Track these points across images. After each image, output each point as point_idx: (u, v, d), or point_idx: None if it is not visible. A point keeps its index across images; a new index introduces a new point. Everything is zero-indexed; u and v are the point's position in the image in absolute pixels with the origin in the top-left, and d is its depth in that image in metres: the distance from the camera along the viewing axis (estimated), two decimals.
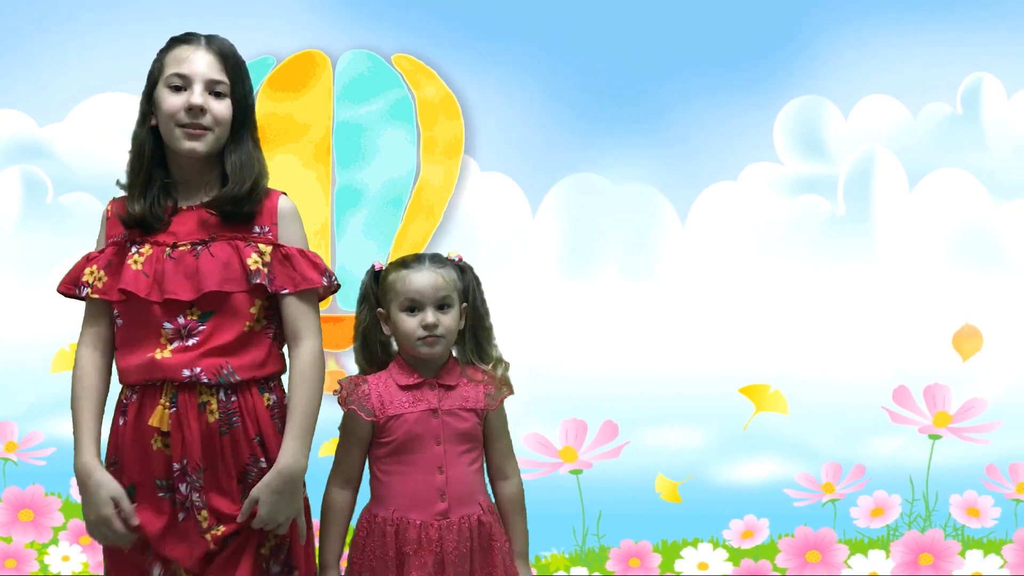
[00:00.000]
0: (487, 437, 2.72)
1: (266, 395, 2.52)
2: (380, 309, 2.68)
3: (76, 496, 3.96)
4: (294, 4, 3.89)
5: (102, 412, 2.53)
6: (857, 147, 3.95)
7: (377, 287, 2.70)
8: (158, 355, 2.44)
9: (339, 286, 2.58)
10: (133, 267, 2.47)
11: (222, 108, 2.47)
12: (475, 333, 2.71)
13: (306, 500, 2.59)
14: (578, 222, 3.95)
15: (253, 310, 2.49)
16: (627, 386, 3.90)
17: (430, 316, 2.62)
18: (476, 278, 2.73)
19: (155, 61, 2.53)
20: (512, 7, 3.93)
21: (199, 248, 2.47)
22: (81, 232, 3.95)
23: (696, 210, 3.95)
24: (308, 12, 3.91)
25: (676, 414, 3.92)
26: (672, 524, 3.95)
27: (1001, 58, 3.93)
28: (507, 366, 2.73)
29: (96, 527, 2.48)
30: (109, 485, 2.46)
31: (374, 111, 3.91)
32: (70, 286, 2.55)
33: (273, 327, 2.53)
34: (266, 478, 2.45)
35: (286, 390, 2.54)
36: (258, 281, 2.46)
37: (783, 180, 3.95)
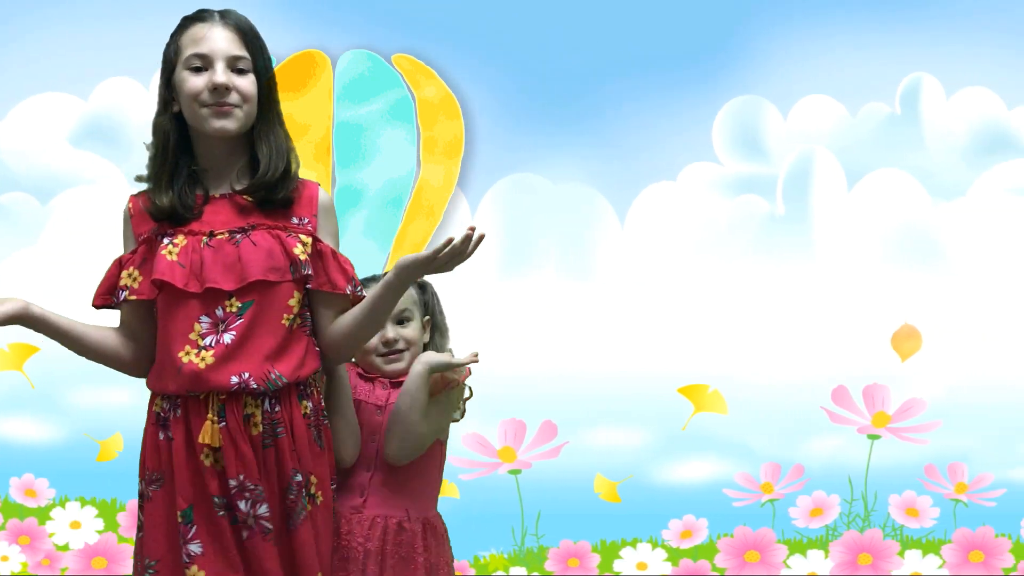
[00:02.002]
0: None
1: (304, 403, 2.41)
2: None
3: (14, 496, 4.00)
4: (294, 4, 3.90)
5: (85, 327, 2.43)
6: (796, 147, 3.96)
7: None
8: (200, 364, 2.32)
9: (362, 298, 2.44)
10: (168, 257, 2.34)
11: (247, 84, 2.35)
12: (437, 347, 2.66)
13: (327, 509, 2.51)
14: (517, 222, 3.95)
15: (292, 302, 2.37)
16: (566, 386, 3.90)
17: (389, 331, 2.58)
18: (435, 294, 2.70)
19: (169, 44, 2.39)
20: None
21: (239, 236, 2.34)
22: (21, 232, 3.98)
23: (635, 210, 3.95)
24: (308, 12, 3.91)
25: (615, 414, 3.92)
26: (611, 524, 3.95)
27: (940, 58, 3.94)
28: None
29: None
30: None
31: (374, 111, 3.92)
32: (107, 296, 2.41)
33: (310, 323, 2.43)
34: None
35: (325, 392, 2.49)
36: (308, 272, 2.36)
37: (722, 180, 3.96)
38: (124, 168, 3.92)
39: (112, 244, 3.64)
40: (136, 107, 3.92)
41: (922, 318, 3.94)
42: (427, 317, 2.66)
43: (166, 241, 2.37)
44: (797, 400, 3.93)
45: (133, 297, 2.36)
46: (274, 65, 3.75)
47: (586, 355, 3.92)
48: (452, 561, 2.67)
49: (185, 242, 2.36)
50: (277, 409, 2.37)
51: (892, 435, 3.96)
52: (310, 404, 2.43)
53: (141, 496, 2.41)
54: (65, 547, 3.94)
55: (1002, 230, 3.95)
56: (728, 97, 3.94)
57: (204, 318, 2.34)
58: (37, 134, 3.93)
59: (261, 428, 2.36)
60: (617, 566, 3.97)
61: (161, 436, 2.38)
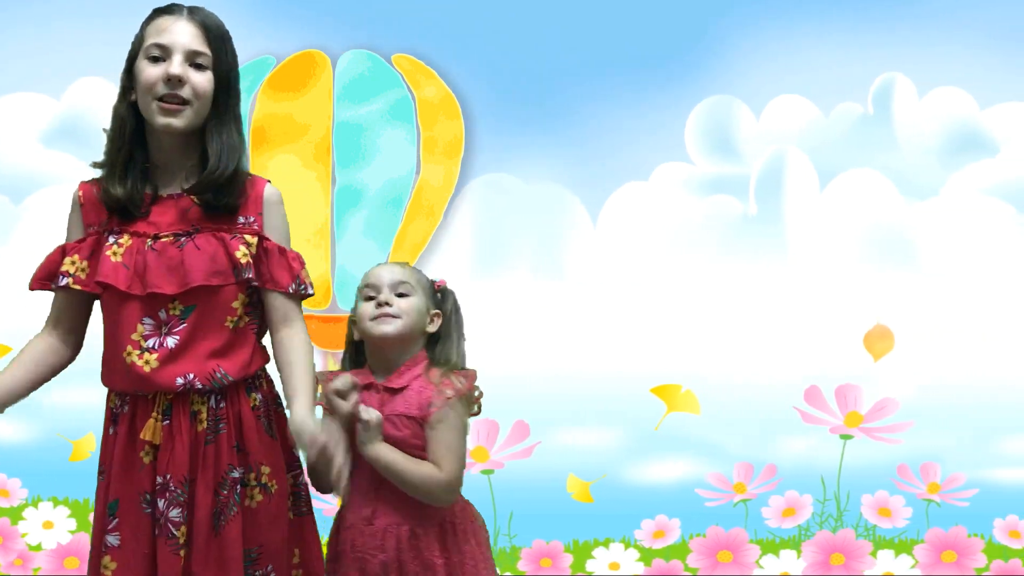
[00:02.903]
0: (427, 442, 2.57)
1: (253, 395, 2.45)
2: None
3: None
4: (294, 4, 3.89)
5: (26, 366, 2.45)
6: (768, 147, 3.95)
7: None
8: (145, 367, 2.34)
9: (310, 295, 2.48)
10: (112, 258, 2.36)
11: (202, 80, 2.35)
12: (445, 341, 2.62)
13: (312, 523, 2.55)
14: (489, 222, 3.94)
15: (236, 304, 2.40)
16: (539, 386, 3.90)
17: (383, 295, 2.55)
18: (456, 304, 2.67)
19: (137, 34, 2.41)
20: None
21: (183, 239, 2.36)
22: None
23: (607, 210, 3.95)
24: (308, 12, 3.90)
25: (588, 414, 3.92)
26: (583, 524, 3.95)
27: (913, 58, 3.93)
28: (465, 377, 2.60)
29: None
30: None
31: (374, 111, 3.91)
32: (45, 282, 2.43)
33: (256, 321, 2.46)
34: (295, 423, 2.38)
35: (277, 378, 2.49)
36: (249, 276, 2.37)
37: (694, 180, 3.96)
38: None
39: None
40: (108, 107, 3.88)
41: (895, 318, 3.94)
42: (435, 311, 2.62)
43: (111, 240, 2.39)
44: (770, 400, 3.92)
45: (77, 286, 2.39)
46: (274, 65, 3.83)
47: (559, 355, 3.92)
48: (486, 548, 2.61)
49: (130, 243, 2.38)
50: (223, 405, 2.40)
51: (865, 435, 3.96)
52: (259, 396, 2.46)
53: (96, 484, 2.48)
54: (38, 547, 3.94)
55: (975, 230, 3.95)
56: (700, 97, 3.94)
57: (147, 319, 2.37)
58: (9, 134, 3.93)
59: (206, 424, 2.39)
60: (590, 566, 3.97)
61: (110, 431, 2.43)
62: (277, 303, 2.45)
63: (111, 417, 2.45)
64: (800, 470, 3.97)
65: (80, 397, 3.89)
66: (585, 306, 3.94)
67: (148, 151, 2.40)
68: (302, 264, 2.47)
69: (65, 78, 3.94)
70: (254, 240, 2.40)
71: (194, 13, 2.39)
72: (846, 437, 3.96)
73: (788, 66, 3.93)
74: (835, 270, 3.94)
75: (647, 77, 3.92)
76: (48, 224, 3.93)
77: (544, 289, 3.94)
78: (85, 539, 3.96)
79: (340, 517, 2.59)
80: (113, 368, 2.41)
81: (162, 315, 2.36)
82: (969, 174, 3.95)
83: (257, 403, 2.45)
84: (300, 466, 2.53)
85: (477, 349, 3.86)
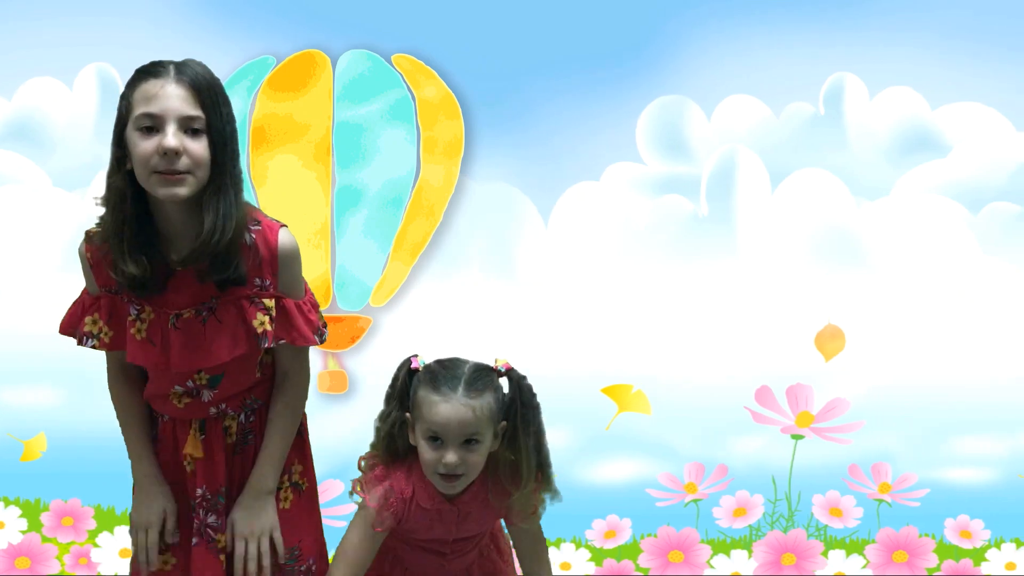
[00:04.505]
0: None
1: None
2: (409, 415, 2.52)
3: None
4: (294, 4, 3.87)
5: (149, 430, 2.52)
6: (719, 147, 3.94)
7: (410, 387, 2.53)
8: (180, 406, 2.45)
9: (324, 341, 2.51)
10: (137, 336, 2.37)
11: (199, 148, 2.24)
12: (511, 459, 2.53)
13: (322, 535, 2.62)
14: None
15: (260, 359, 2.47)
16: None
17: (450, 456, 2.44)
18: (524, 391, 2.55)
19: (122, 97, 2.29)
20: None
21: (204, 314, 2.35)
22: None
23: (558, 210, 3.94)
24: (308, 12, 3.89)
25: None
26: None
27: (863, 58, 3.92)
28: (541, 499, 2.59)
29: (138, 531, 2.48)
30: (169, 496, 2.48)
31: (374, 111, 3.90)
32: (70, 330, 2.46)
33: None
34: (239, 499, 2.46)
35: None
36: (266, 345, 2.37)
37: (645, 180, 3.95)
38: (47, 168, 3.92)
39: (35, 244, 3.66)
40: (59, 107, 3.92)
41: (846, 318, 3.94)
42: (503, 422, 2.52)
43: (134, 314, 2.37)
44: (721, 400, 3.92)
45: (103, 349, 2.44)
46: (274, 65, 3.83)
47: (509, 355, 3.89)
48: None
49: (152, 316, 2.37)
50: (252, 420, 2.48)
51: (816, 435, 3.96)
52: None
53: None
54: None
55: (925, 230, 3.95)
56: (652, 97, 3.93)
57: (178, 388, 2.44)
58: None
59: (235, 437, 2.47)
60: None
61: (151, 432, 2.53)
62: (283, 355, 2.50)
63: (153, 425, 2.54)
64: (751, 470, 3.96)
65: (31, 397, 3.92)
66: (536, 306, 3.94)
67: (154, 220, 2.32)
68: (316, 308, 2.48)
69: (16, 78, 3.92)
70: (272, 304, 2.38)
71: (182, 72, 2.26)
72: (797, 437, 3.96)
73: (739, 66, 3.93)
74: (786, 270, 3.94)
75: (598, 77, 3.92)
76: None
77: (495, 289, 3.93)
78: (36, 539, 3.97)
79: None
80: (154, 401, 2.51)
81: (190, 384, 2.44)
82: (920, 174, 3.94)
83: None
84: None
85: (429, 348, 3.90)
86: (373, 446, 2.58)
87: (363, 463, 2.59)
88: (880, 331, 3.94)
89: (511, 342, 3.92)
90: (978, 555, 3.97)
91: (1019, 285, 3.94)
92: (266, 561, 2.45)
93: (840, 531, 3.98)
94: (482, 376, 2.52)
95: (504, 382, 2.58)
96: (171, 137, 2.21)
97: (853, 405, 3.95)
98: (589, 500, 3.95)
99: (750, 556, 3.98)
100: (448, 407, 2.44)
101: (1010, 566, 3.97)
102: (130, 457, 2.50)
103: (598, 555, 3.96)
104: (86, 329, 2.39)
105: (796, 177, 3.94)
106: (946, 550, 3.98)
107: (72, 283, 3.82)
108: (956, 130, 3.93)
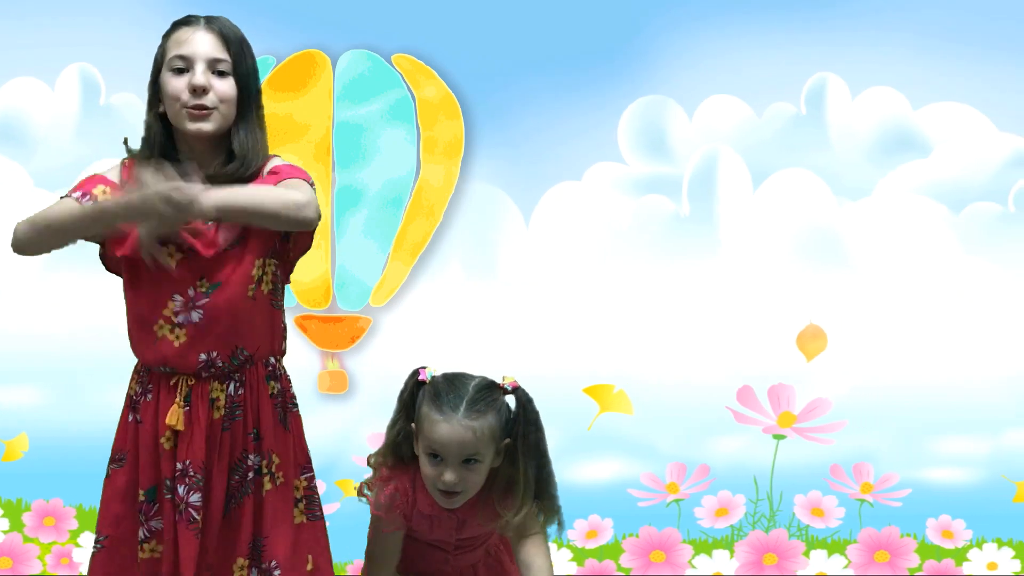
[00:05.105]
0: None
1: (272, 383, 2.54)
2: (414, 426, 2.56)
3: None
4: (294, 4, 3.88)
5: None
6: (701, 147, 3.95)
7: (417, 399, 2.57)
8: (175, 342, 2.45)
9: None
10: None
11: (225, 87, 2.46)
12: (508, 479, 2.55)
13: (323, 528, 2.62)
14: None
15: (254, 272, 2.47)
16: None
17: (449, 475, 2.49)
18: (529, 412, 2.57)
19: (159, 47, 2.51)
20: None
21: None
22: None
23: (540, 210, 3.95)
24: (308, 12, 3.90)
25: None
26: None
27: (845, 58, 3.93)
28: (541, 514, 2.61)
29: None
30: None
31: (374, 111, 3.90)
32: (74, 190, 2.46)
33: (278, 296, 2.55)
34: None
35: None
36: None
37: (627, 180, 3.95)
38: (29, 168, 3.92)
39: None
40: (42, 107, 3.92)
41: (828, 318, 3.94)
42: (506, 440, 2.55)
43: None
44: (702, 400, 3.92)
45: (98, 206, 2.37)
46: (274, 65, 3.83)
47: (491, 355, 3.91)
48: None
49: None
50: (241, 392, 2.48)
51: (797, 435, 3.96)
52: (278, 385, 2.54)
53: (106, 472, 2.55)
54: None
55: (907, 230, 3.95)
56: (633, 97, 3.93)
57: (177, 296, 2.45)
58: None
59: (223, 412, 2.48)
60: None
61: (131, 418, 2.51)
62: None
63: (130, 404, 2.53)
64: (733, 470, 3.97)
65: (13, 397, 3.93)
66: (517, 306, 3.94)
67: (178, 157, 2.47)
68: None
69: None
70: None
71: (211, 22, 2.49)
72: (779, 437, 3.96)
73: (721, 66, 3.93)
74: (768, 270, 3.94)
75: (579, 77, 3.92)
76: None
77: (476, 289, 3.94)
78: (18, 539, 3.97)
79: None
80: (142, 341, 2.50)
81: (190, 292, 2.44)
82: (902, 174, 3.94)
83: (275, 392, 2.54)
84: (313, 468, 2.61)
85: (409, 349, 3.91)
86: (382, 449, 2.64)
87: (371, 460, 2.65)
88: (862, 331, 3.94)
89: (492, 342, 3.93)
90: (960, 555, 3.97)
91: (1001, 285, 3.94)
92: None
93: (822, 531, 3.98)
94: (485, 396, 2.55)
95: (511, 399, 2.59)
96: (199, 75, 2.43)
97: (835, 405, 3.95)
98: (571, 500, 3.82)
99: (732, 556, 3.98)
100: (448, 428, 2.48)
101: (991, 566, 3.97)
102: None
103: (580, 555, 3.96)
104: (95, 191, 2.44)
105: (778, 177, 3.94)
106: (928, 550, 3.98)
107: (56, 283, 3.88)
108: (938, 130, 3.94)
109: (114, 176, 2.51)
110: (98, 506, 2.56)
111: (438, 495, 2.51)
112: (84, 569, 3.90)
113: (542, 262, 3.94)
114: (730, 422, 3.95)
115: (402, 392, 2.61)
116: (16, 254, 2.47)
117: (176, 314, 2.44)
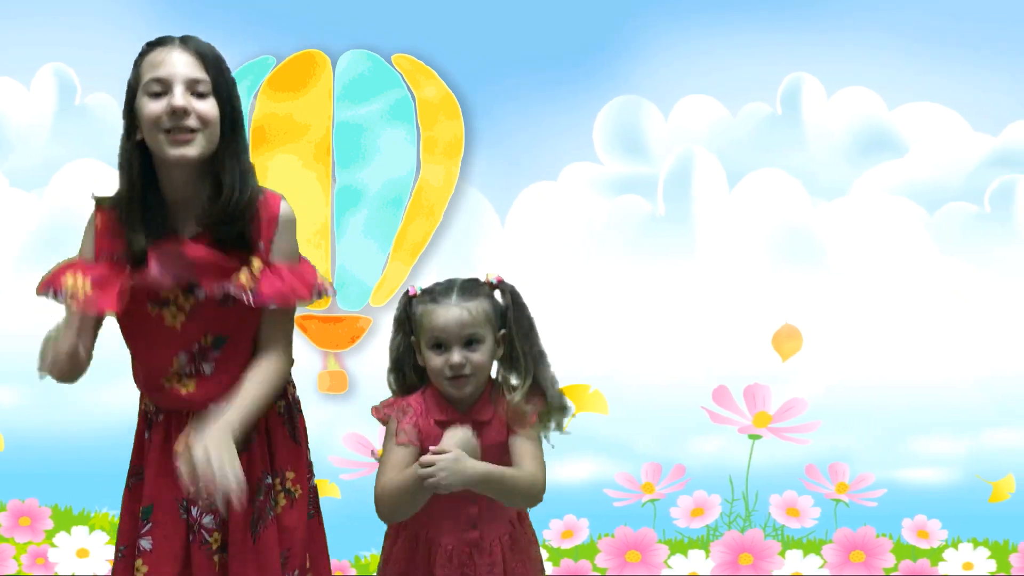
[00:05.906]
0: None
1: (279, 402, 2.52)
2: (414, 338, 2.60)
3: None
4: (294, 4, 3.88)
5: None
6: (676, 147, 3.95)
7: (411, 312, 2.61)
8: (183, 391, 2.42)
9: (324, 296, 2.51)
10: (152, 312, 2.41)
11: (207, 107, 2.32)
12: (511, 361, 2.63)
13: (321, 524, 2.61)
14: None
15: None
16: None
17: (455, 356, 2.53)
18: (515, 300, 2.64)
19: (132, 72, 2.38)
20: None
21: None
22: None
23: (516, 210, 3.95)
24: (308, 12, 3.89)
25: None
26: None
27: (820, 58, 3.93)
28: (540, 403, 2.65)
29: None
30: None
31: (374, 111, 3.90)
32: (45, 289, 2.42)
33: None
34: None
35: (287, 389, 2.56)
36: (251, 300, 2.37)
37: (603, 180, 3.95)
38: (4, 168, 3.92)
39: None
40: (17, 107, 3.92)
41: (803, 318, 3.94)
42: (502, 331, 2.62)
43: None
44: (678, 400, 3.92)
45: (80, 308, 2.33)
46: (274, 65, 3.83)
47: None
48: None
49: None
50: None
51: (773, 435, 3.96)
52: (284, 403, 2.53)
53: (126, 484, 2.54)
54: None
55: (883, 230, 3.95)
56: (609, 97, 3.93)
57: (182, 353, 2.42)
58: None
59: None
60: None
61: (146, 435, 2.49)
62: (270, 321, 2.47)
63: (145, 421, 2.51)
64: (708, 470, 3.97)
65: None
66: None
67: (161, 189, 2.37)
68: (315, 271, 2.51)
69: None
70: (258, 264, 2.40)
71: (186, 42, 2.37)
72: (754, 437, 3.96)
73: (696, 66, 3.93)
74: (743, 270, 3.94)
75: (555, 77, 3.92)
76: None
77: None
78: (2, 547, 3.97)
79: (431, 549, 2.61)
80: (149, 385, 2.48)
81: (195, 348, 2.41)
82: (877, 174, 3.94)
83: (282, 410, 2.53)
84: (312, 469, 2.61)
85: (385, 349, 3.90)
86: (387, 375, 2.68)
87: (379, 404, 2.66)
88: (837, 331, 3.94)
89: None
90: (935, 555, 3.97)
91: (977, 285, 3.94)
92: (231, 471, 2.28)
93: (797, 531, 3.98)
94: (474, 286, 2.62)
95: (498, 295, 2.66)
96: (179, 97, 2.30)
97: (810, 405, 3.95)
98: (546, 500, 3.79)
99: (707, 556, 3.98)
100: (445, 311, 2.55)
101: (967, 566, 3.97)
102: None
103: (556, 555, 3.96)
104: (66, 285, 2.35)
105: (753, 177, 3.94)
106: (903, 550, 3.98)
107: (31, 282, 3.87)
108: (913, 130, 3.94)
109: (89, 227, 2.42)
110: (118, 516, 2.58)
111: (448, 385, 2.55)
112: (60, 569, 3.92)
113: (517, 262, 3.93)
114: (706, 422, 3.95)
115: (397, 313, 2.65)
116: None
117: (184, 367, 2.42)
